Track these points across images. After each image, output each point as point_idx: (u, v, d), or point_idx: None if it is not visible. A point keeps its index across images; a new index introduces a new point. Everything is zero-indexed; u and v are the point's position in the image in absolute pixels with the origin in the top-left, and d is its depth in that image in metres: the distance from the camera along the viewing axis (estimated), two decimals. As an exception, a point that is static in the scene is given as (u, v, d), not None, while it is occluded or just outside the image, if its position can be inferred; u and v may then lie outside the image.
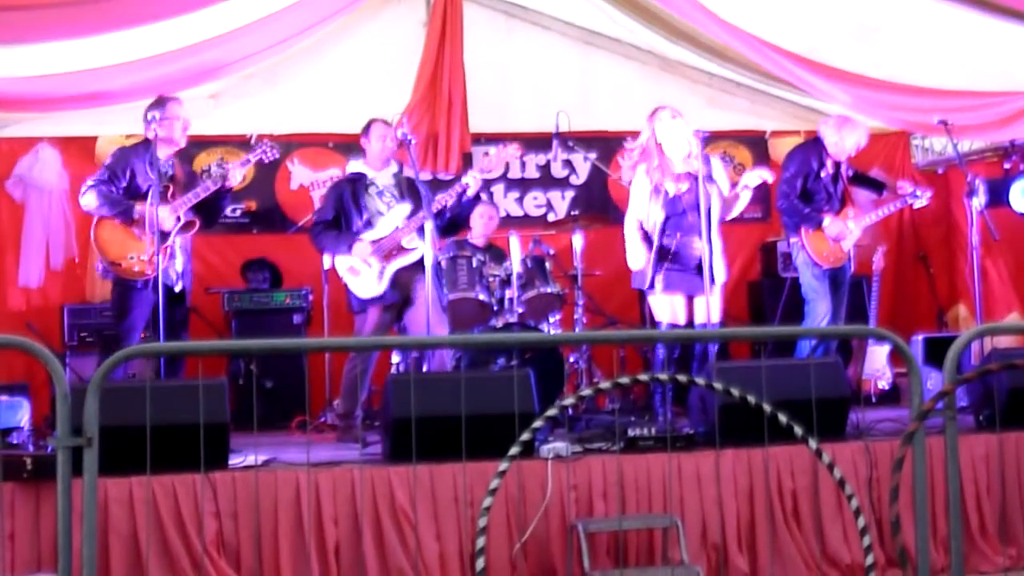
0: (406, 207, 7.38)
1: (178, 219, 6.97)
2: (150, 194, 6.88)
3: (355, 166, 7.61)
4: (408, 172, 7.49)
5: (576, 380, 8.28)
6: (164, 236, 6.90)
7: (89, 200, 7.07)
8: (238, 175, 7.24)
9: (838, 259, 8.05)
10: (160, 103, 7.14)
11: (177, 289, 7.05)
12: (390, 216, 7.38)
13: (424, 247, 6.95)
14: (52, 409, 5.28)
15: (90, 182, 7.12)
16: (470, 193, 7.51)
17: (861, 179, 8.62)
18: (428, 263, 6.87)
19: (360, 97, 8.58)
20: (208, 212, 7.28)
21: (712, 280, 7.09)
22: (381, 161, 7.51)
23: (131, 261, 6.97)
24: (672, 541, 5.59)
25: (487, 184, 8.46)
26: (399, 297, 7.34)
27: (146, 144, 7.12)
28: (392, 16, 9.69)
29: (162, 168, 7.03)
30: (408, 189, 7.47)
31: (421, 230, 7.03)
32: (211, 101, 9.30)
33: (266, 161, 7.61)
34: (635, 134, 9.38)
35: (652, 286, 7.18)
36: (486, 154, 7.91)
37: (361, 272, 7.29)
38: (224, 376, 7.55)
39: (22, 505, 5.19)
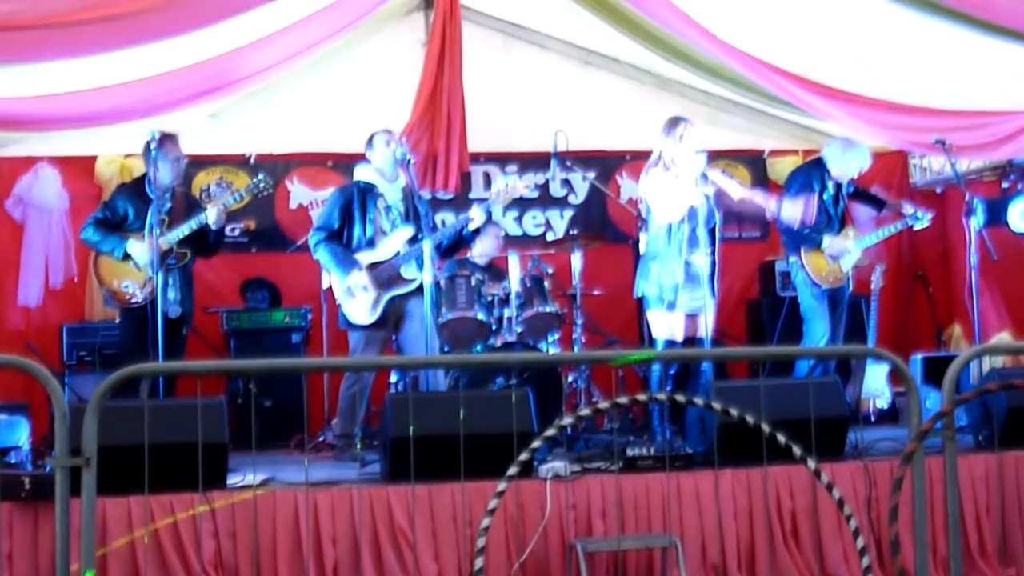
0: (408, 230, 7.33)
1: (170, 251, 7.20)
2: (147, 227, 7.13)
3: (364, 173, 7.48)
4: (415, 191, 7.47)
5: (575, 399, 8.28)
6: (160, 263, 7.10)
7: (87, 236, 7.42)
8: (213, 214, 7.26)
9: (837, 279, 8.08)
10: (161, 143, 7.26)
11: (171, 314, 7.15)
12: (392, 238, 7.32)
13: (424, 271, 6.92)
14: (51, 429, 5.27)
15: (89, 220, 7.44)
16: (472, 227, 7.53)
17: (862, 195, 8.64)
18: (427, 284, 6.86)
19: (359, 116, 8.58)
20: (201, 244, 7.48)
21: (712, 294, 7.08)
22: (391, 172, 7.43)
23: (125, 290, 7.25)
24: (671, 561, 5.58)
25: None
26: (389, 322, 7.33)
27: (142, 180, 7.39)
28: (391, 35, 9.73)
29: (159, 202, 7.19)
30: (413, 209, 7.45)
31: (420, 259, 7.02)
32: (210, 120, 9.33)
33: (260, 196, 7.77)
34: (633, 152, 9.41)
35: (672, 305, 7.13)
36: (494, 184, 7.85)
37: (357, 296, 7.25)
38: (223, 395, 7.53)
39: (20, 525, 5.18)
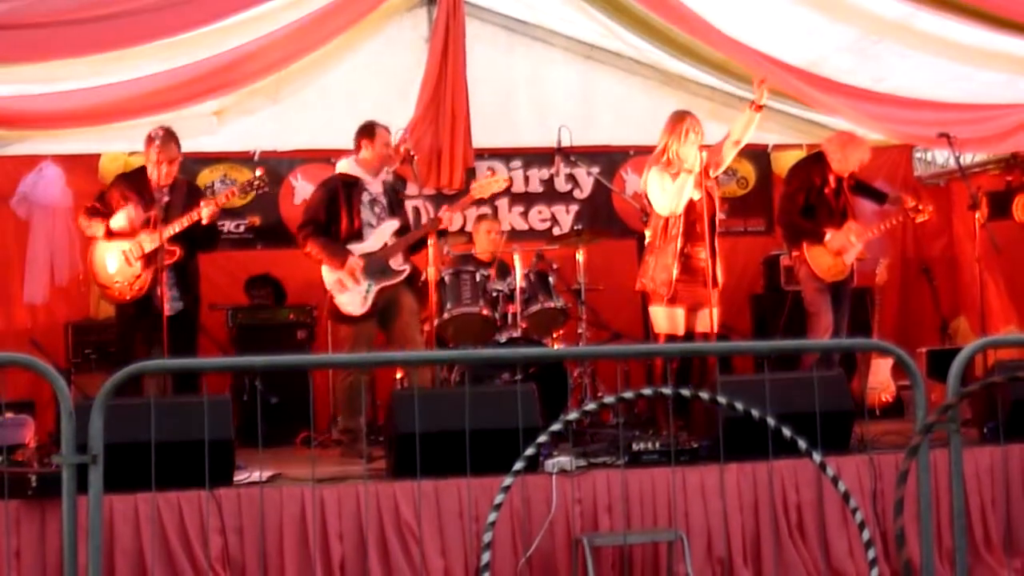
0: (394, 223, 7.39)
1: (161, 246, 7.02)
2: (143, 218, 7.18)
3: (347, 166, 7.55)
4: (396, 185, 7.51)
5: (580, 394, 8.28)
6: (151, 260, 7.09)
7: (83, 224, 7.44)
8: (206, 212, 7.14)
9: (840, 273, 8.07)
10: (152, 140, 7.26)
11: (168, 312, 7.00)
12: (380, 231, 7.37)
13: (429, 268, 6.95)
14: (57, 426, 5.28)
15: (84, 213, 7.44)
16: (443, 226, 7.63)
17: (863, 188, 8.64)
18: (431, 278, 6.89)
19: (363, 113, 8.54)
20: (196, 241, 7.37)
21: (715, 284, 7.07)
22: (376, 168, 7.49)
23: (117, 285, 7.22)
24: (677, 555, 5.59)
25: (491, 199, 8.48)
26: (379, 314, 7.36)
27: (142, 172, 7.38)
28: (395, 32, 9.71)
29: (156, 196, 7.17)
30: (396, 203, 7.49)
31: (408, 251, 7.03)
32: (214, 118, 9.32)
33: (257, 192, 7.71)
34: (637, 148, 9.38)
35: (672, 298, 7.11)
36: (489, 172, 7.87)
37: (348, 288, 7.29)
38: (228, 392, 7.56)
39: (28, 522, 5.20)
